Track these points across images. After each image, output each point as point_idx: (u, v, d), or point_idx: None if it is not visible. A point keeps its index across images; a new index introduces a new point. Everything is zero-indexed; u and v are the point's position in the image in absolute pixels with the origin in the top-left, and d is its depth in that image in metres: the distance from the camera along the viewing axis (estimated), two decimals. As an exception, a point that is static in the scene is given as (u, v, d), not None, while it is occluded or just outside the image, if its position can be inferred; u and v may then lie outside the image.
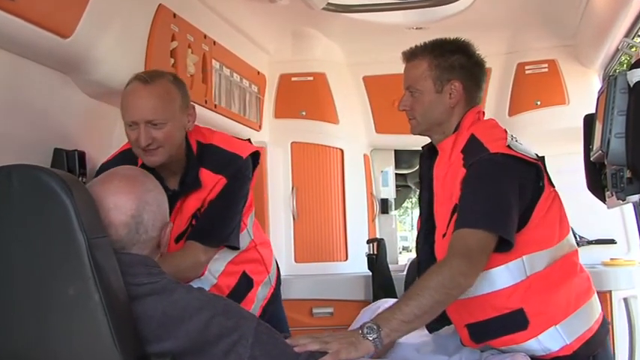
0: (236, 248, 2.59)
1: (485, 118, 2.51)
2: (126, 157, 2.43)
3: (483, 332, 2.33)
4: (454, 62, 2.40)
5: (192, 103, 2.46)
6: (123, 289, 1.73)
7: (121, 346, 1.64)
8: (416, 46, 2.46)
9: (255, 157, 2.59)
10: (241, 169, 2.50)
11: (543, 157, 2.35)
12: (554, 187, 2.39)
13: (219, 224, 2.49)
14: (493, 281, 2.26)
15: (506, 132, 2.36)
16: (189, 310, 1.75)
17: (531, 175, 2.31)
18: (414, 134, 2.51)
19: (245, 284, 2.68)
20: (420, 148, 2.61)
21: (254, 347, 1.74)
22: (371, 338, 1.90)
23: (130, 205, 1.80)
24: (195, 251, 2.43)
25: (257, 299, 2.73)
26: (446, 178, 2.34)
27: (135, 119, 2.29)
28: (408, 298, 2.03)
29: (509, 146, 2.28)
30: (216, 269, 2.57)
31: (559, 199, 2.40)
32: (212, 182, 2.46)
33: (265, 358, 1.74)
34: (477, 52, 2.46)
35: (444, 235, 2.30)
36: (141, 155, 2.38)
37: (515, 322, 2.27)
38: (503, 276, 2.26)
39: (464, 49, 2.45)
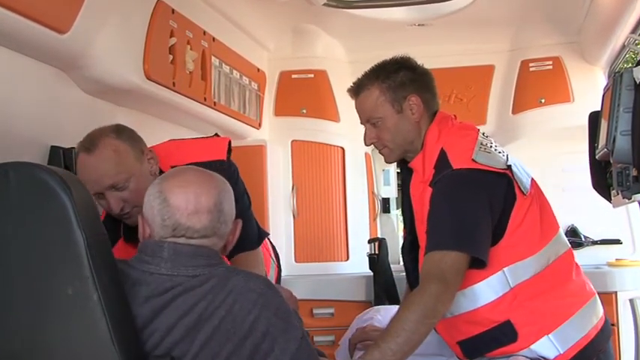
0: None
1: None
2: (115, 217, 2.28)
3: (475, 348, 2.33)
4: (402, 79, 2.38)
5: (145, 147, 2.29)
6: (122, 289, 1.73)
7: (119, 345, 1.65)
8: (359, 79, 2.44)
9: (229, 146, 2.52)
10: (230, 169, 2.43)
11: (510, 165, 2.29)
12: (525, 194, 2.30)
13: (252, 224, 2.46)
14: (476, 298, 2.27)
15: (475, 140, 2.31)
16: (243, 303, 1.74)
17: (502, 185, 2.27)
18: (390, 162, 2.50)
19: None
20: None
21: (294, 358, 1.75)
22: None
23: (214, 193, 1.81)
24: (259, 257, 2.44)
25: None
26: (422, 197, 2.32)
27: (97, 190, 2.15)
28: (395, 336, 2.07)
29: (474, 160, 2.24)
30: None
31: (537, 204, 2.35)
32: None
33: None
34: (419, 63, 2.45)
35: (426, 253, 2.28)
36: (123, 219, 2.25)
37: (504, 334, 2.26)
38: (486, 291, 2.26)
39: (406, 64, 2.43)
